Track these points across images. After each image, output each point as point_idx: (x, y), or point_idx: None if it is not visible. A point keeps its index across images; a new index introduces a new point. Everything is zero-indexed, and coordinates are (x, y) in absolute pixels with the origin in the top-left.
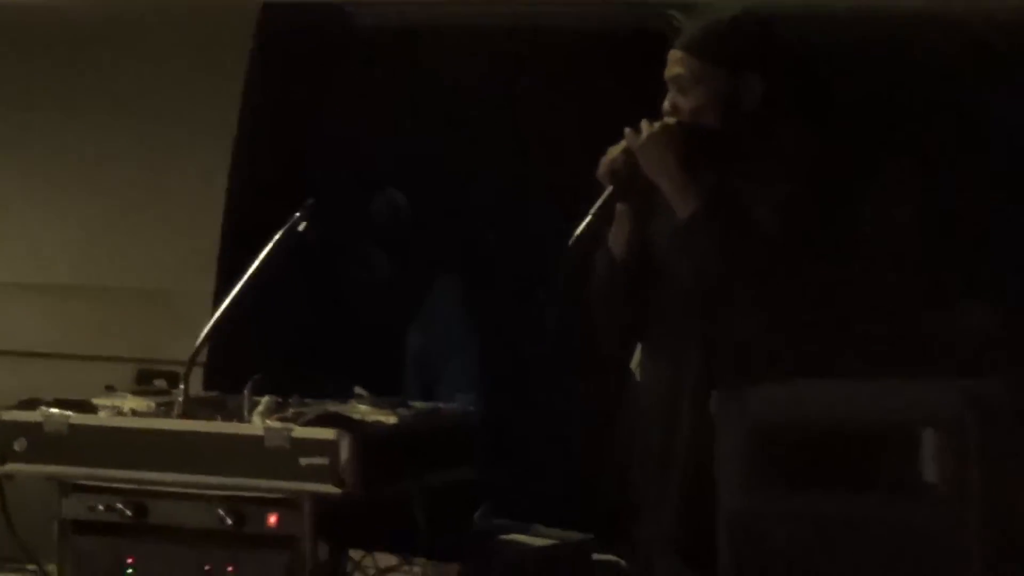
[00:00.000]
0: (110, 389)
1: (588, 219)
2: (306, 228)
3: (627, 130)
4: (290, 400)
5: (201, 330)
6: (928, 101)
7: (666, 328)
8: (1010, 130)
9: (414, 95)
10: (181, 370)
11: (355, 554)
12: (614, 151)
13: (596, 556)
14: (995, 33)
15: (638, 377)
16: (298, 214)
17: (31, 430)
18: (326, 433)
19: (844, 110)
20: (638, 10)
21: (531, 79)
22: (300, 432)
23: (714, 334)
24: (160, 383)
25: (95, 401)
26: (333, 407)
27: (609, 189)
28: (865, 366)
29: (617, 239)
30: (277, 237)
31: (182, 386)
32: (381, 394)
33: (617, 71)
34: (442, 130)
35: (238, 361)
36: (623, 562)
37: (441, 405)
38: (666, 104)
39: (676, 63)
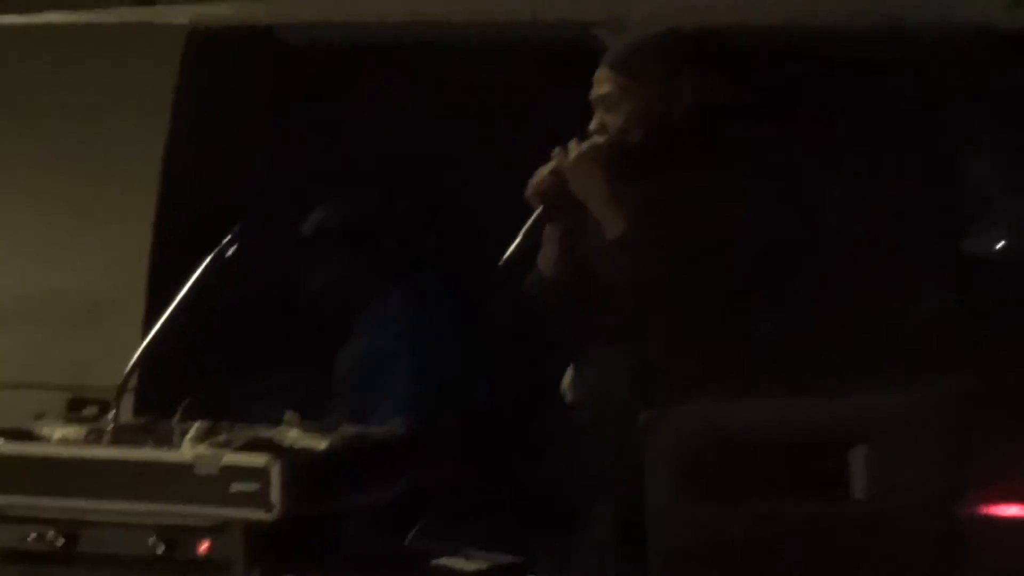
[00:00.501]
0: (40, 417)
1: (518, 241)
2: (236, 250)
3: (556, 150)
4: (221, 426)
5: (132, 356)
6: (860, 111)
7: (597, 346)
8: (934, 134)
9: (344, 115)
10: (112, 396)
11: None
12: (543, 172)
13: None
14: (918, 43)
15: (570, 397)
16: (228, 238)
17: None
18: (257, 459)
19: (773, 123)
20: (563, 30)
21: (460, 98)
22: (231, 458)
23: (645, 352)
24: (91, 410)
25: (25, 429)
26: (264, 432)
27: (538, 210)
28: (794, 382)
29: (546, 259)
30: (207, 261)
31: (112, 413)
32: (312, 418)
33: (544, 90)
34: (373, 149)
35: (169, 387)
36: None
37: (372, 429)
38: (594, 123)
39: (603, 82)
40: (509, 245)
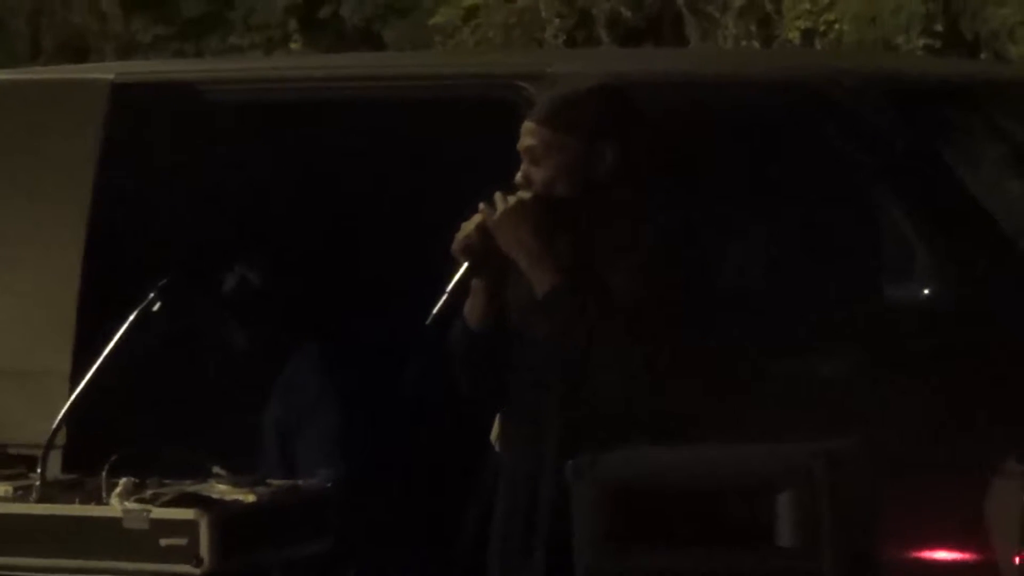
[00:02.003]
0: None
1: (444, 298)
2: (161, 307)
3: (481, 205)
4: (149, 481)
5: (59, 412)
6: (783, 163)
7: (524, 398)
8: (856, 185)
9: (269, 170)
10: (39, 453)
11: None
12: (468, 227)
13: None
14: (838, 96)
15: (497, 448)
16: (152, 294)
17: None
18: (185, 513)
19: (699, 174)
20: (489, 82)
21: (387, 152)
22: (159, 513)
23: (572, 402)
24: (18, 467)
25: None
26: (192, 487)
27: (464, 265)
28: (719, 430)
29: (473, 312)
30: (132, 317)
31: (40, 469)
32: (240, 472)
33: (470, 143)
34: (298, 203)
35: (97, 443)
36: None
37: (300, 482)
38: (519, 176)
39: (529, 134)
40: (438, 300)
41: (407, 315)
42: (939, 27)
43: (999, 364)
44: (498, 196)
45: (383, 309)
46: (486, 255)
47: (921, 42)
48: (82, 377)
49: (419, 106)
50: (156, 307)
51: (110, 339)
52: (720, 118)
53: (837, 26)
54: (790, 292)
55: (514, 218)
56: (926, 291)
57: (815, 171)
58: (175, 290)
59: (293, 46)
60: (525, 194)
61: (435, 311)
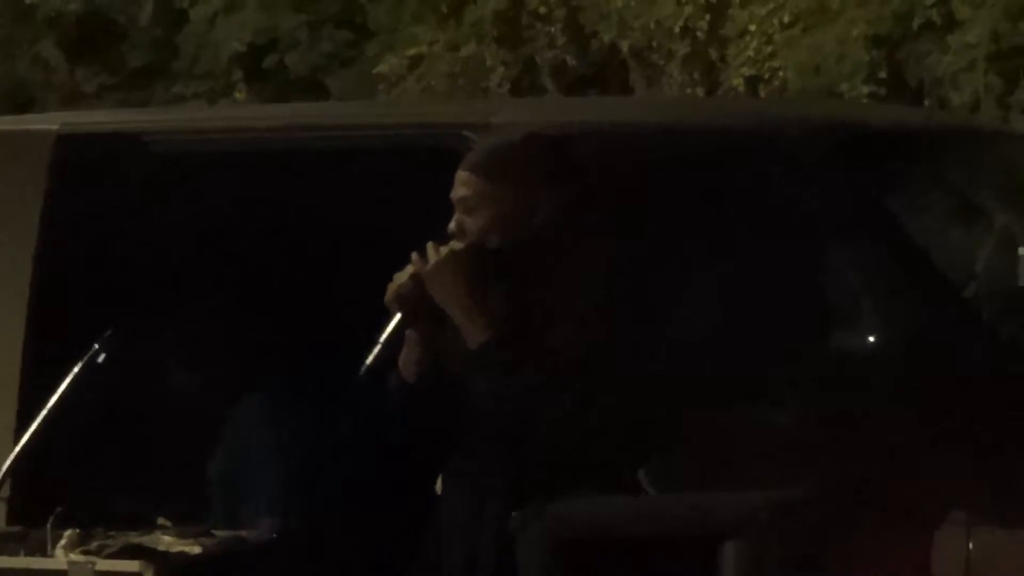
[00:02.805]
0: None
1: (377, 348)
2: (106, 357)
3: (414, 255)
4: (95, 532)
5: (2, 463)
6: (721, 211)
7: (465, 448)
8: (796, 232)
9: (213, 219)
10: None
11: None
12: (401, 277)
13: None
14: (778, 142)
15: (441, 498)
16: (96, 345)
17: None
18: (130, 565)
19: (642, 224)
20: (434, 131)
21: (331, 201)
22: (104, 565)
23: (512, 455)
24: None
25: None
26: (137, 538)
27: (397, 316)
28: (664, 480)
29: (408, 364)
30: (76, 369)
31: None
32: (186, 523)
33: (414, 193)
34: (242, 252)
35: (41, 495)
36: None
37: (244, 532)
38: (452, 225)
39: (462, 184)
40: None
41: (349, 364)
42: (883, 74)
43: (944, 412)
44: (430, 247)
45: (326, 357)
46: (419, 306)
47: (866, 89)
48: (26, 429)
49: (363, 155)
50: (100, 358)
51: (55, 391)
52: (664, 167)
53: (781, 73)
54: (735, 342)
55: (446, 270)
56: (871, 339)
57: (759, 220)
58: (119, 341)
59: (238, 95)
60: (457, 245)
61: (368, 361)
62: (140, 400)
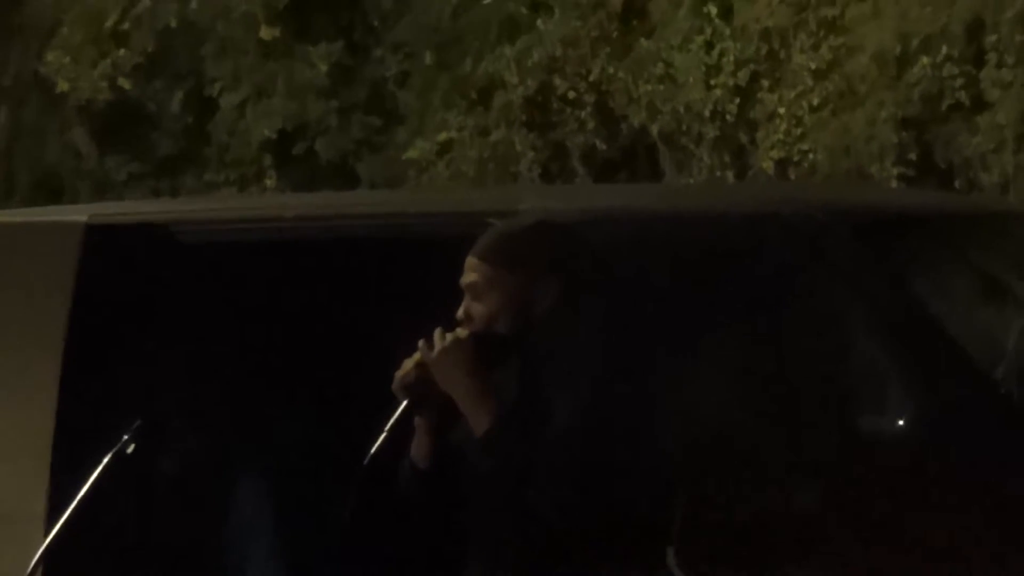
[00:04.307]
0: None
1: (383, 436)
2: (136, 448)
3: (421, 342)
4: None
5: (34, 555)
6: (737, 296)
7: (474, 532)
8: (824, 326)
9: (245, 309)
10: None
11: None
12: (408, 365)
13: None
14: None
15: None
16: (126, 437)
17: None
18: None
19: (643, 312)
20: (461, 219)
21: (360, 290)
22: None
23: (520, 542)
24: None
25: None
26: None
27: (404, 403)
28: (686, 559)
29: (418, 451)
30: (106, 459)
31: None
32: None
33: (443, 282)
34: (274, 341)
35: None
36: None
37: None
38: (460, 312)
39: (471, 270)
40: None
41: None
42: (912, 156)
43: (972, 496)
44: (437, 333)
45: (343, 444)
46: (426, 393)
47: (896, 171)
48: (57, 520)
49: (394, 244)
50: (130, 449)
51: (85, 481)
52: (689, 253)
53: (811, 156)
54: (756, 425)
55: (451, 357)
56: (899, 423)
57: (783, 304)
58: (150, 432)
59: (268, 182)
60: (463, 332)
61: (373, 451)
62: (168, 487)
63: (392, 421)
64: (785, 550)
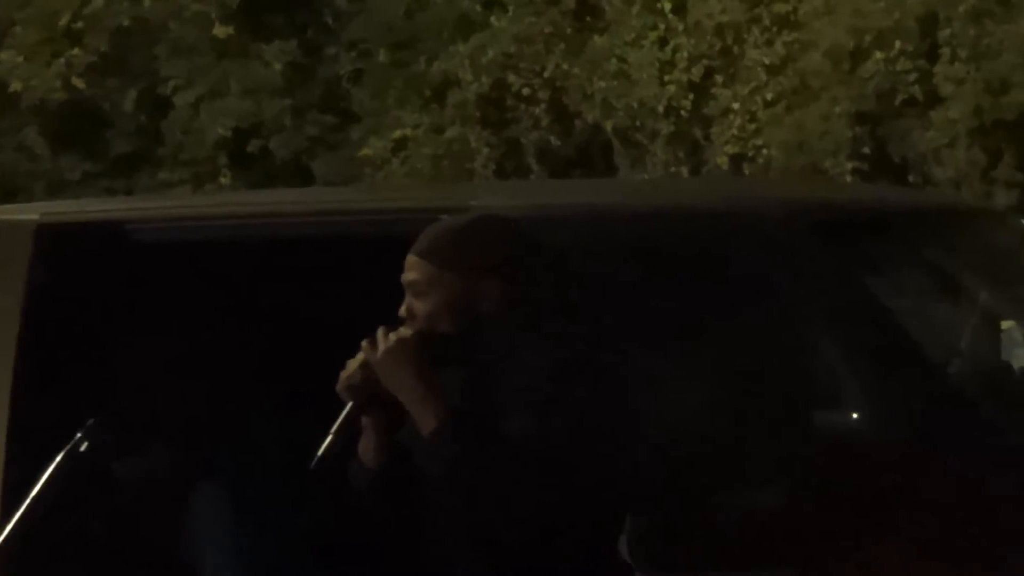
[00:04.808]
0: None
1: (329, 439)
2: (88, 446)
3: (364, 343)
4: None
5: None
6: (699, 294)
7: (433, 526)
8: (777, 324)
9: (197, 307)
10: None
11: None
12: (352, 365)
13: None
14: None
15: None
16: (79, 435)
17: None
18: None
19: (594, 310)
20: (413, 216)
21: (313, 289)
22: None
23: (478, 534)
24: None
25: None
26: None
27: (349, 405)
28: (640, 554)
29: (366, 451)
30: (58, 459)
31: None
32: None
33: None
34: (225, 339)
35: None
36: None
37: None
38: (403, 308)
39: (411, 268)
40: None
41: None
42: (867, 151)
43: (927, 492)
44: (380, 333)
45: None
46: (371, 394)
47: (850, 166)
48: (8, 521)
49: (346, 242)
50: (83, 447)
51: (37, 480)
52: (643, 250)
53: (766, 151)
54: (711, 425)
55: (395, 357)
56: (854, 419)
57: (738, 301)
58: (103, 431)
59: (223, 180)
60: (406, 331)
61: (319, 454)
62: (123, 487)
63: (338, 423)
64: (741, 542)
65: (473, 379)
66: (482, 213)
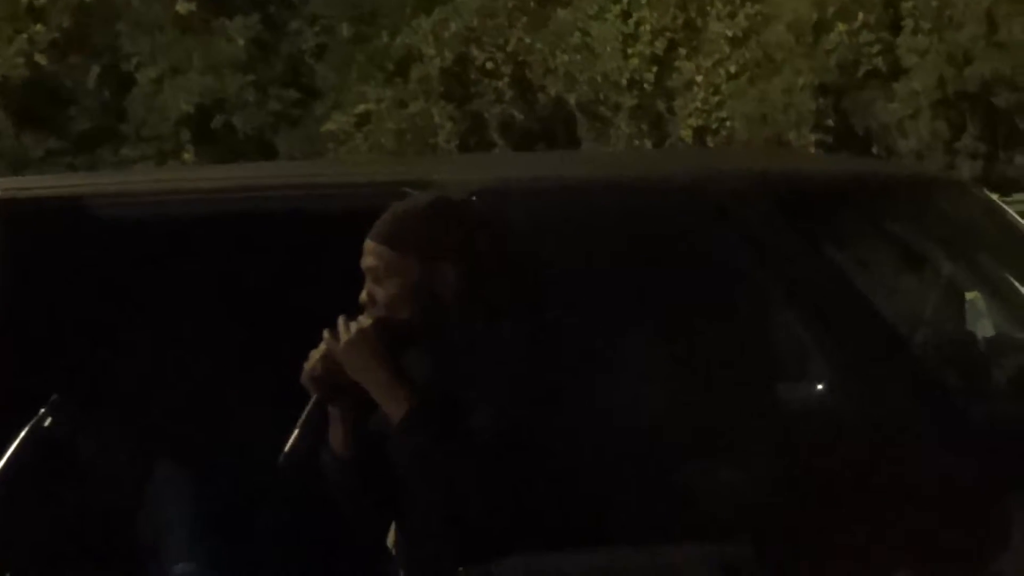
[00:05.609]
0: None
1: (296, 432)
2: (51, 423)
3: (326, 333)
4: None
5: None
6: (662, 269)
7: (412, 506)
8: (741, 297)
9: (160, 284)
10: None
11: None
12: (315, 356)
13: None
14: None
15: (393, 553)
16: (43, 410)
17: None
18: None
19: (557, 288)
20: (375, 190)
21: (276, 264)
22: None
23: (446, 522)
24: None
25: None
26: None
27: (314, 397)
28: (611, 533)
29: (336, 440)
30: (22, 434)
31: None
32: None
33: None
34: (188, 317)
35: None
36: None
37: None
38: (363, 295)
39: (369, 254)
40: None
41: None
42: (830, 123)
43: (891, 467)
44: (341, 322)
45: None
46: (336, 384)
47: (813, 138)
48: None
49: (309, 216)
50: (47, 423)
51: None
52: (604, 224)
53: (729, 124)
54: (677, 400)
55: (357, 347)
56: (818, 392)
57: (700, 276)
58: (64, 411)
59: (186, 156)
60: (366, 320)
61: (287, 448)
62: (85, 464)
63: (305, 414)
64: (708, 515)
65: (438, 364)
66: (439, 195)
